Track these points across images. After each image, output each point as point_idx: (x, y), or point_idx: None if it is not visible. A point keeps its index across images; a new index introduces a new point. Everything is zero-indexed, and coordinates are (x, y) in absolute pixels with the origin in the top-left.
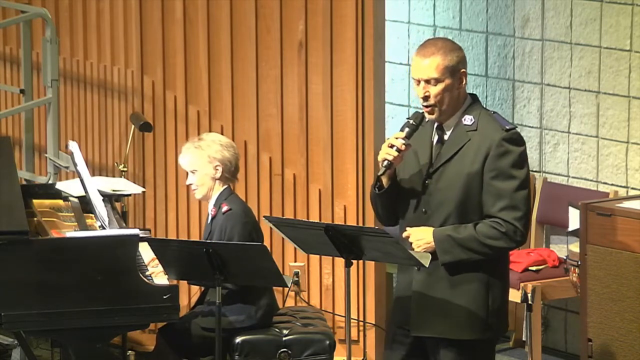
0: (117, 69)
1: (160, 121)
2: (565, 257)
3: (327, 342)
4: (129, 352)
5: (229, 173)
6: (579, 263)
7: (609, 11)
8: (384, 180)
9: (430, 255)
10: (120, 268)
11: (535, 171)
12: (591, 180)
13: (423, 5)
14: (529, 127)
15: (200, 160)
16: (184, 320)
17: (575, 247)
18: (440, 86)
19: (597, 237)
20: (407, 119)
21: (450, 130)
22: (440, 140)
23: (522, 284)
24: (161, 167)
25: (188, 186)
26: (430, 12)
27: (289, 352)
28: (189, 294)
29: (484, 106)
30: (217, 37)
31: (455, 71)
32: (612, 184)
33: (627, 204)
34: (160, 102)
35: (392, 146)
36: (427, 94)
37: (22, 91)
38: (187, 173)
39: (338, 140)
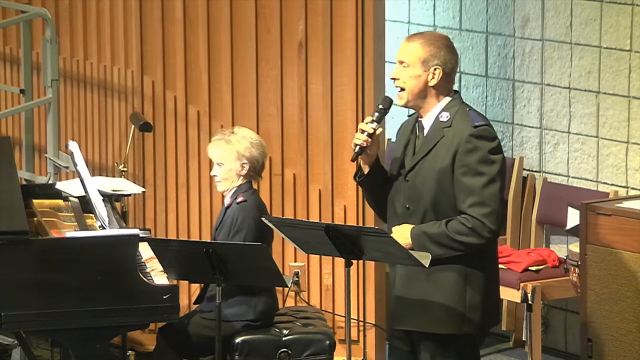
0: (117, 69)
1: (160, 121)
2: (565, 257)
3: (327, 342)
4: (129, 352)
5: (254, 171)
6: (579, 263)
7: (609, 11)
8: (364, 168)
9: (430, 255)
10: (120, 268)
11: (535, 171)
12: (591, 180)
13: (423, 5)
14: (529, 127)
15: (229, 155)
16: (184, 320)
17: (575, 247)
18: (409, 71)
19: (597, 237)
20: (378, 104)
21: (429, 127)
22: (420, 137)
23: (522, 284)
24: (161, 167)
25: (211, 178)
26: (430, 12)
27: (289, 352)
28: (189, 294)
29: (468, 103)
30: (217, 37)
31: (427, 64)
32: (612, 184)
33: (627, 204)
34: (160, 102)
35: (363, 132)
36: (396, 76)
37: (22, 91)
38: (212, 162)
39: (338, 140)
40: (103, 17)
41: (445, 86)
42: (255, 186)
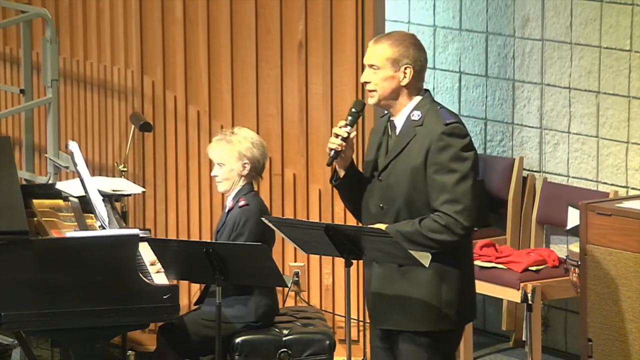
0: (117, 69)
1: (160, 121)
2: (565, 257)
3: (327, 342)
4: (129, 352)
5: (255, 171)
6: (579, 263)
7: (609, 11)
8: (339, 171)
9: (430, 255)
10: (120, 268)
11: (535, 171)
12: (591, 180)
13: (423, 5)
14: (529, 127)
15: (230, 156)
16: (185, 320)
17: (575, 247)
18: (380, 74)
19: (597, 237)
20: (351, 108)
21: (400, 126)
22: (393, 136)
23: (522, 284)
24: (161, 167)
25: (211, 178)
26: (430, 12)
27: (289, 352)
28: (189, 294)
29: (438, 102)
30: (217, 37)
31: (397, 64)
32: (612, 184)
33: (627, 204)
34: (160, 102)
35: (337, 136)
36: (367, 79)
37: (22, 91)
38: (213, 163)
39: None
40: (103, 17)
41: (416, 85)
42: (255, 186)
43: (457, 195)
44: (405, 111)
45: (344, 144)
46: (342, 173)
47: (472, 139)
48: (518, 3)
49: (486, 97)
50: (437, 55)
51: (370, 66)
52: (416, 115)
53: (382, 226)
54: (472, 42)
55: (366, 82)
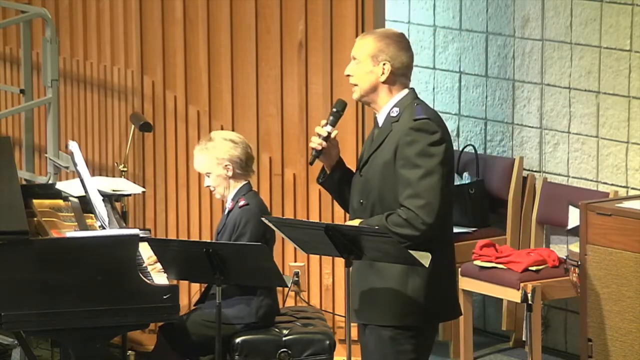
0: (117, 69)
1: (160, 121)
2: (565, 257)
3: (327, 342)
4: (129, 352)
5: (241, 169)
6: (579, 263)
7: (609, 11)
8: (327, 170)
9: (430, 255)
10: (120, 268)
11: (535, 171)
12: (591, 180)
13: (423, 5)
14: (529, 127)
15: (210, 163)
16: (185, 320)
17: (575, 247)
18: (360, 67)
19: (597, 237)
20: (332, 107)
21: (381, 122)
22: (376, 133)
23: (522, 284)
24: (161, 167)
25: (207, 188)
26: (430, 12)
27: (289, 352)
28: (189, 294)
29: (420, 99)
30: (217, 37)
31: (376, 59)
32: (612, 184)
33: (627, 204)
34: (160, 102)
35: (319, 135)
36: (349, 72)
37: (22, 91)
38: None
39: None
40: (103, 17)
41: (397, 82)
42: (254, 185)
43: (419, 190)
44: (386, 108)
45: (324, 143)
46: (327, 170)
47: (472, 139)
48: (518, 3)
49: (486, 97)
50: (437, 55)
51: (354, 58)
52: (395, 112)
53: (357, 222)
54: (472, 42)
55: (349, 75)
